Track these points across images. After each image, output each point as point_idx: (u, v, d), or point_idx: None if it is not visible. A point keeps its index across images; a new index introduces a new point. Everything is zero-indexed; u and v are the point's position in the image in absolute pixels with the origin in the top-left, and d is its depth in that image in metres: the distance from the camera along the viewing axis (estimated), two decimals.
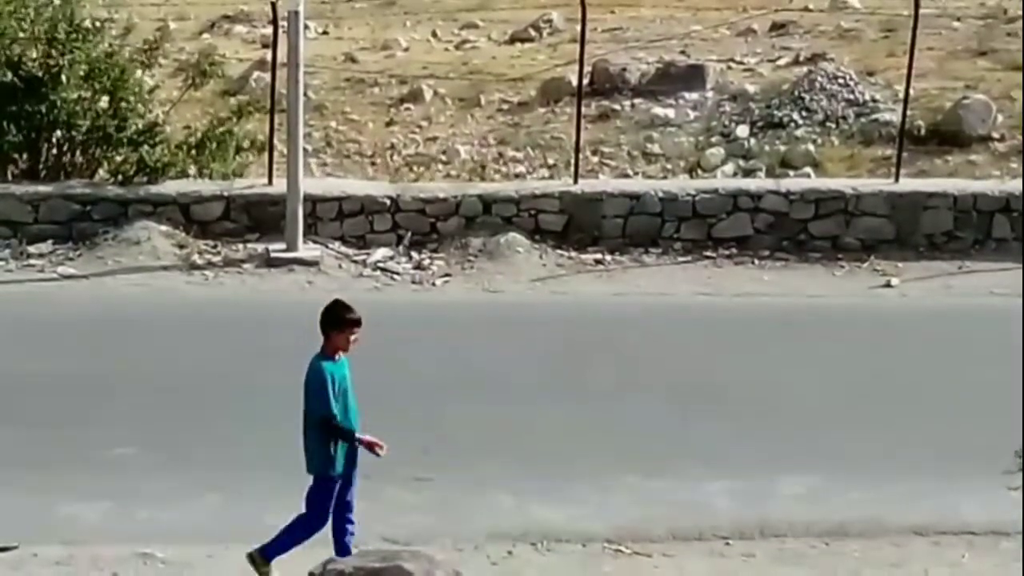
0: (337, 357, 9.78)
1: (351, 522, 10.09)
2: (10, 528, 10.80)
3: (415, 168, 20.07)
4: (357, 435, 9.77)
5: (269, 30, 19.50)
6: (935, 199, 18.45)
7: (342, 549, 9.94)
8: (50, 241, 17.66)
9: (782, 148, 20.29)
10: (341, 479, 9.91)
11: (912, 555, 11.01)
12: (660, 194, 18.35)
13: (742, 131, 20.69)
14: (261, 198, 18.13)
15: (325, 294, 16.63)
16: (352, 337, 9.73)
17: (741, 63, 22.61)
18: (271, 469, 11.89)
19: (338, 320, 9.72)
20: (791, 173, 19.68)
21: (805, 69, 21.75)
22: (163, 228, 17.70)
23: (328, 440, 9.78)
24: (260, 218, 18.03)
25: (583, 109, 19.23)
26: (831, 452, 12.43)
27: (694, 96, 21.43)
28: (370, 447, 9.78)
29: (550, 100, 21.48)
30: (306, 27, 19.69)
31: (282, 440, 12.40)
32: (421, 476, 11.91)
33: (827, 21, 23.95)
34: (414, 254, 17.81)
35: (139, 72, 18.62)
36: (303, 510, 10.03)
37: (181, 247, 17.57)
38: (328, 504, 9.92)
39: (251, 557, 10.11)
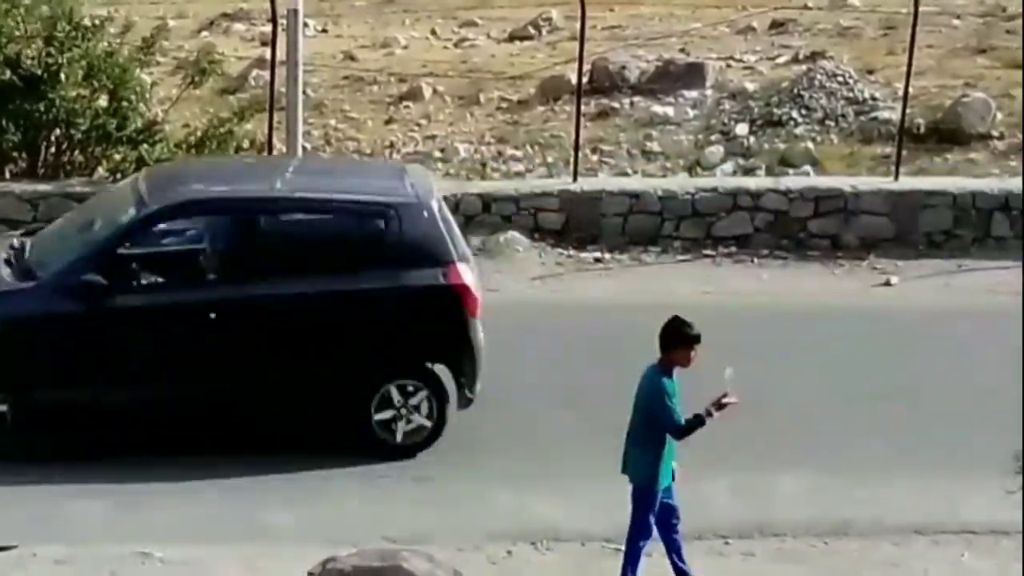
0: (673, 373, 9.77)
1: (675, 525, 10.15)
2: (10, 527, 10.80)
3: None
4: (707, 408, 9.71)
5: (268, 28, 19.48)
6: (934, 197, 18.43)
7: (675, 553, 10.05)
8: None
9: (781, 146, 20.28)
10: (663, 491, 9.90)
11: (911, 554, 11.02)
12: (659, 192, 18.35)
13: (741, 129, 20.68)
14: None
15: None
16: (692, 353, 9.74)
17: (740, 61, 22.61)
18: (271, 468, 11.91)
19: (681, 337, 9.75)
20: (790, 171, 19.66)
21: (804, 67, 21.74)
22: None
23: (655, 453, 9.77)
24: None
25: (582, 107, 19.21)
26: (830, 451, 12.43)
27: (693, 94, 21.42)
28: (720, 406, 9.73)
29: (549, 98, 21.47)
30: (305, 25, 19.68)
31: (282, 439, 12.44)
32: (421, 474, 11.91)
33: (826, 19, 23.95)
34: None
35: (138, 70, 18.60)
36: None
37: None
38: (649, 515, 9.90)
39: None
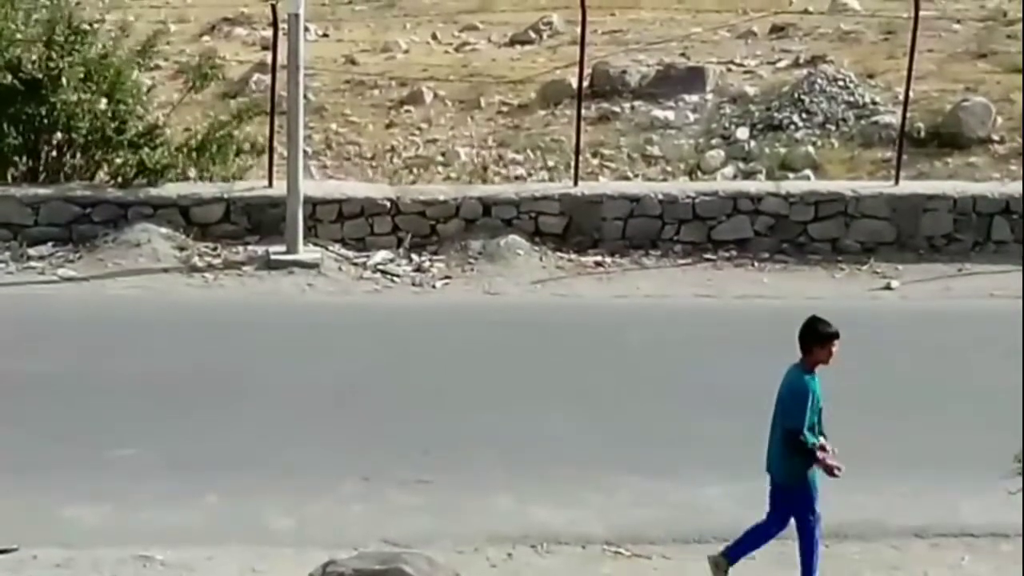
0: (816, 371, 9.99)
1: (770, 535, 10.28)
2: (10, 530, 10.80)
3: (415, 170, 20.07)
4: (819, 455, 9.91)
5: (269, 32, 19.51)
6: (935, 201, 18.46)
7: (739, 548, 10.19)
8: (50, 243, 17.66)
9: (782, 150, 20.29)
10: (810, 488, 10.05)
11: (911, 557, 11.02)
12: (660, 196, 18.36)
13: (742, 133, 20.69)
14: (261, 200, 18.13)
15: (325, 296, 16.78)
16: (834, 349, 9.99)
17: (741, 65, 22.62)
18: (270, 470, 11.92)
19: (821, 335, 10.00)
20: (791, 175, 19.68)
21: (805, 71, 21.76)
22: (163, 230, 17.70)
23: (792, 452, 9.93)
24: (260, 220, 18.03)
25: (583, 111, 19.23)
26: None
27: (694, 98, 21.44)
28: (828, 470, 9.91)
29: (550, 102, 21.48)
30: (306, 29, 19.70)
31: (281, 441, 12.46)
32: (421, 478, 11.92)
33: (827, 23, 23.95)
34: (414, 256, 17.81)
35: (136, 73, 18.61)
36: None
37: (181, 249, 17.58)
38: (812, 508, 10.07)
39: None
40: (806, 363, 10.00)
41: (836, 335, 10.00)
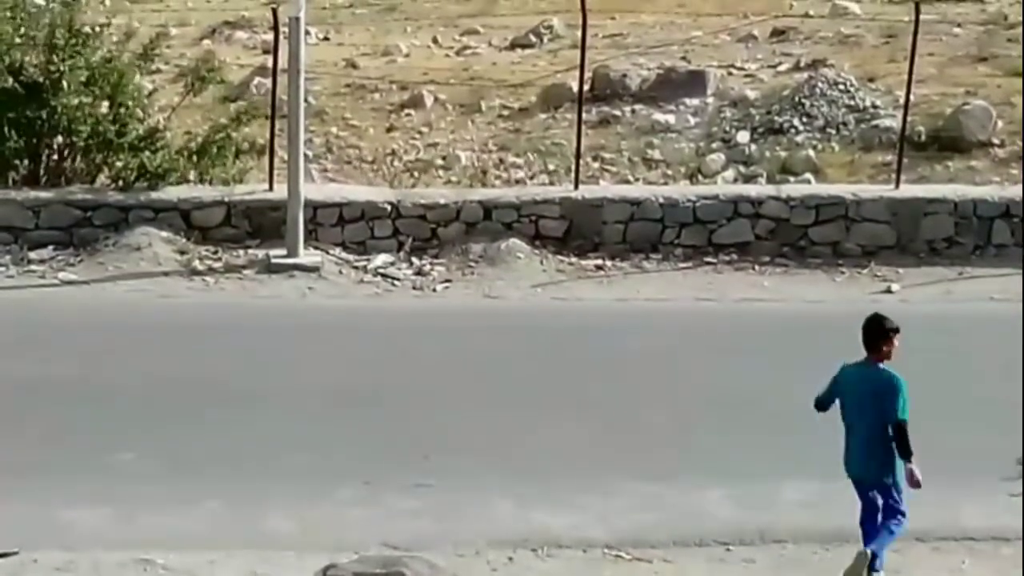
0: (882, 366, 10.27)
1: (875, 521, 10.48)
2: (11, 534, 10.81)
3: (415, 174, 20.08)
4: (912, 460, 10.09)
5: (270, 36, 19.51)
6: (935, 205, 18.46)
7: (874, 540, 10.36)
8: (51, 247, 17.67)
9: (783, 154, 20.31)
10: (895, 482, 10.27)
11: (912, 561, 11.01)
12: (661, 200, 18.37)
13: (743, 137, 20.70)
14: (262, 204, 18.14)
15: (326, 300, 16.78)
16: (896, 343, 10.32)
17: (742, 69, 22.63)
18: (271, 475, 11.92)
19: (887, 330, 10.33)
20: (792, 179, 19.69)
21: (806, 75, 21.77)
22: (164, 234, 17.72)
23: (886, 448, 10.16)
24: (261, 224, 18.04)
25: (584, 115, 19.24)
26: (831, 458, 12.37)
27: (695, 102, 21.44)
28: (911, 475, 10.09)
29: (551, 106, 21.50)
30: (307, 33, 19.73)
31: (282, 445, 12.46)
32: (422, 482, 11.92)
33: (828, 27, 23.96)
34: (415, 260, 17.82)
35: (138, 77, 18.63)
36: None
37: (182, 253, 17.59)
38: (901, 503, 10.30)
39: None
40: (872, 359, 10.26)
41: (898, 330, 10.31)
